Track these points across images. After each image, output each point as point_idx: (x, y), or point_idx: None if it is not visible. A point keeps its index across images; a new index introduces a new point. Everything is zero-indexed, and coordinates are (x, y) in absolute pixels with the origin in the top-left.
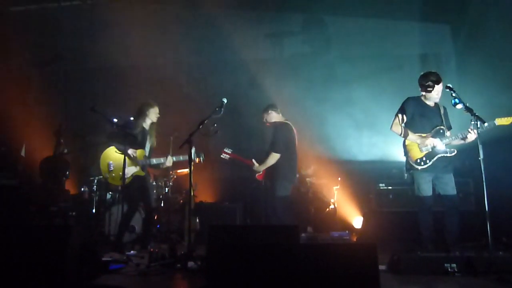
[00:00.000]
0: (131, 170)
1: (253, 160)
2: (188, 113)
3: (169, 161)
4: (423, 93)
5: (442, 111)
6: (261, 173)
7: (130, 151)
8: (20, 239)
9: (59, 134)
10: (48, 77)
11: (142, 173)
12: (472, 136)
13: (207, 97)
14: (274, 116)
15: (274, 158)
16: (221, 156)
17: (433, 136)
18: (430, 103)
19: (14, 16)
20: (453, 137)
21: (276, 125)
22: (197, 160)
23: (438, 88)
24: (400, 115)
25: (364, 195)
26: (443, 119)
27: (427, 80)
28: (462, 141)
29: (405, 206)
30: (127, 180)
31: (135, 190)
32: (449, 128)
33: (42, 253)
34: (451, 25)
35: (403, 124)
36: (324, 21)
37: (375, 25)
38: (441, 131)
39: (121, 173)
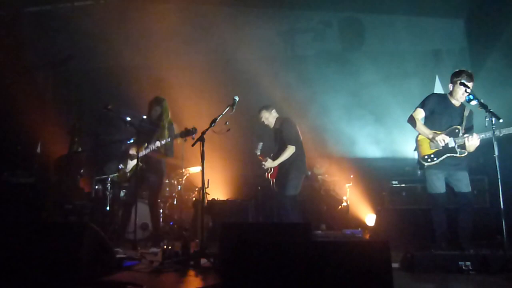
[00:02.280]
0: (132, 164)
1: (267, 158)
2: (200, 111)
3: (157, 144)
4: (451, 89)
5: (466, 113)
6: (272, 172)
7: (130, 151)
8: (36, 236)
9: (74, 132)
10: (63, 76)
11: (139, 165)
12: (470, 142)
13: (219, 95)
14: (274, 114)
15: (290, 151)
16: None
17: (447, 135)
18: (456, 102)
19: (29, 16)
20: (464, 139)
21: (284, 120)
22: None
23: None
24: (419, 109)
25: (377, 192)
26: (464, 121)
27: (458, 77)
28: (477, 143)
29: (418, 204)
30: (129, 175)
31: (135, 182)
32: (469, 130)
33: (58, 249)
34: (465, 20)
35: (420, 118)
36: (336, 18)
37: (388, 21)
38: (457, 130)
39: (126, 170)
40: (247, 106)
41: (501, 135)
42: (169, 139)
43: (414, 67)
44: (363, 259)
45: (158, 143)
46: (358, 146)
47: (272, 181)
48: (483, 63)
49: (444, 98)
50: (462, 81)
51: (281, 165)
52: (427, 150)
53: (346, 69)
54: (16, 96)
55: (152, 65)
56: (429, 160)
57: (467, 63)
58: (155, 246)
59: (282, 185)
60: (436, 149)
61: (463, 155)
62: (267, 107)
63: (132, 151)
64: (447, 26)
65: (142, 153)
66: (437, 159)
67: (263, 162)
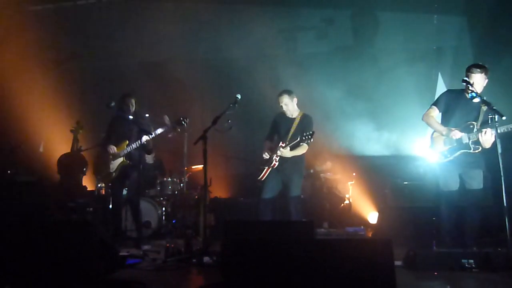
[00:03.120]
0: (116, 163)
1: (286, 143)
2: (202, 109)
3: (144, 138)
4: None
5: (484, 108)
6: (275, 163)
7: (110, 149)
8: (39, 235)
9: (76, 131)
10: (65, 75)
11: (126, 162)
12: (484, 138)
13: (221, 93)
14: (295, 103)
15: (304, 150)
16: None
17: (461, 131)
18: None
19: (32, 15)
20: (477, 134)
21: (310, 118)
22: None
23: (476, 80)
24: (433, 107)
25: (379, 190)
26: (481, 116)
27: (466, 72)
28: (492, 139)
29: (421, 201)
30: (114, 174)
31: (120, 180)
32: (486, 125)
33: (61, 248)
34: (468, 18)
35: (435, 116)
36: (338, 16)
37: (390, 18)
38: (471, 126)
39: (108, 171)
40: (250, 104)
41: None
42: (158, 131)
43: (417, 64)
44: (365, 257)
45: (145, 138)
46: (361, 144)
47: (266, 173)
48: (486, 60)
49: (459, 94)
50: (464, 78)
51: (282, 161)
52: (441, 147)
53: (349, 66)
54: (19, 95)
55: (154, 63)
56: (442, 157)
57: (469, 61)
58: (137, 247)
59: (286, 185)
60: (450, 146)
61: (477, 151)
62: (290, 93)
63: (112, 150)
64: (450, 24)
65: (132, 148)
66: (451, 155)
67: (281, 148)
